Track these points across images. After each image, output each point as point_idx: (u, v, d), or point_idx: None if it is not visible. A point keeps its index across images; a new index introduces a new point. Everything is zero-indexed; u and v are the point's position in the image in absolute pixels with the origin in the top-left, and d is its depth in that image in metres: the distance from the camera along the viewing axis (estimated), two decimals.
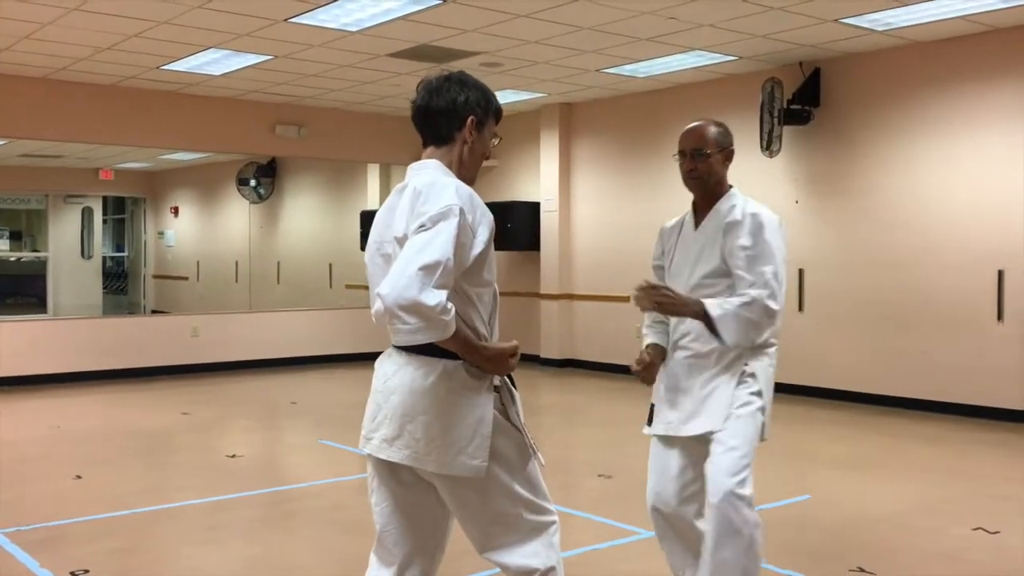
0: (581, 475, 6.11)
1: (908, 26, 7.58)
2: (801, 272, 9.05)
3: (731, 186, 3.28)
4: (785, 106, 8.72)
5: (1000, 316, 7.69)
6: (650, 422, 3.34)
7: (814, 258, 8.96)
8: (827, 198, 8.89)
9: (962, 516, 5.01)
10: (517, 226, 11.54)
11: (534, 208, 11.64)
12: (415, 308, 2.23)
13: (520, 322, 11.91)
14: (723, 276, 3.14)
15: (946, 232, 8.01)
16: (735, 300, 3.04)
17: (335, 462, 6.54)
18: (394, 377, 2.51)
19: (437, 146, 2.58)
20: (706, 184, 3.23)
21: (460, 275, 2.38)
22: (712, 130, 3.23)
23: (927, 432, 7.36)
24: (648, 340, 3.37)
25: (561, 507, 5.20)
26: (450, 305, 2.27)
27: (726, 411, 3.11)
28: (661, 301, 3.09)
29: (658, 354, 3.33)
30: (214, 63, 8.90)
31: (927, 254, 8.13)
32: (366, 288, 2.65)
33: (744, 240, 3.10)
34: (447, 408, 2.44)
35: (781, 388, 9.25)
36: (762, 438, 3.16)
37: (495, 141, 2.64)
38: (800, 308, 9.07)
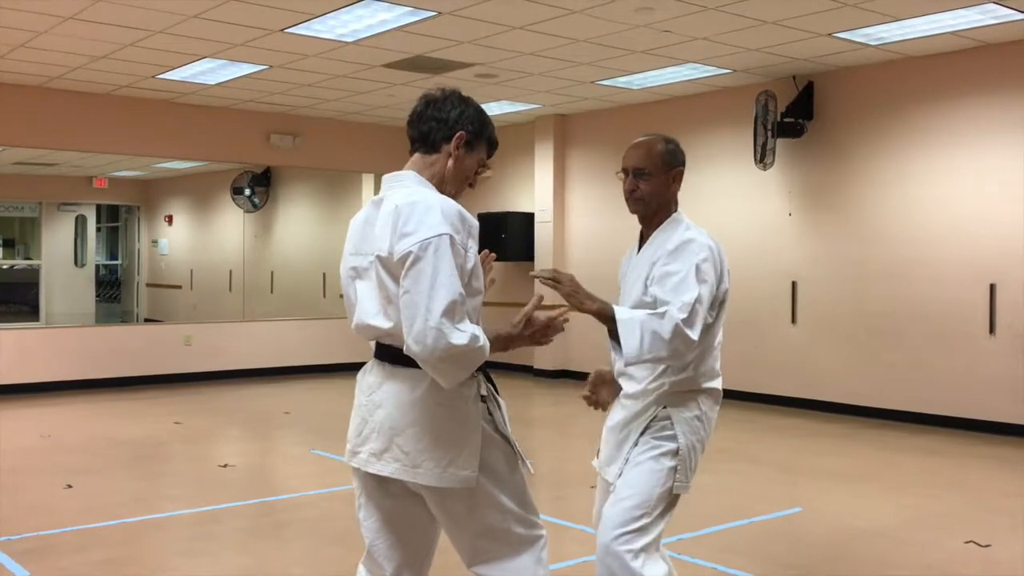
0: (574, 487, 6.10)
1: (900, 41, 7.63)
2: (794, 284, 9.07)
3: (676, 210, 3.00)
4: (779, 119, 8.76)
5: (992, 329, 7.72)
6: (597, 452, 3.15)
7: (807, 271, 8.99)
8: (820, 211, 8.92)
9: (954, 529, 5.02)
10: (511, 237, 11.55)
11: (528, 219, 11.65)
12: (453, 355, 2.28)
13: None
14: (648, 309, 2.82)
15: (938, 245, 8.04)
16: (647, 311, 2.74)
17: (328, 472, 6.52)
18: (379, 390, 2.50)
19: (423, 153, 2.55)
20: (647, 207, 2.95)
21: None
22: (659, 148, 2.94)
23: (919, 445, 7.37)
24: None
25: (554, 519, 5.21)
26: (477, 330, 2.33)
27: (625, 458, 2.89)
28: (565, 292, 2.78)
29: (607, 375, 3.11)
30: (209, 73, 8.91)
31: (920, 267, 8.16)
32: None
33: (671, 266, 2.79)
34: (435, 420, 2.42)
35: (772, 400, 9.32)
36: (673, 490, 2.84)
37: (486, 173, 2.63)
38: (793, 320, 9.09)
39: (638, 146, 2.97)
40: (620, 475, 2.89)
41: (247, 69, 8.78)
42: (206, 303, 16.34)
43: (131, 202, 18.81)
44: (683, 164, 3.00)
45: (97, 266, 19.23)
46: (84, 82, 9.43)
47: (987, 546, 4.70)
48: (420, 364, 2.32)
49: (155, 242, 18.71)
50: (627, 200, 2.99)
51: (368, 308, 2.45)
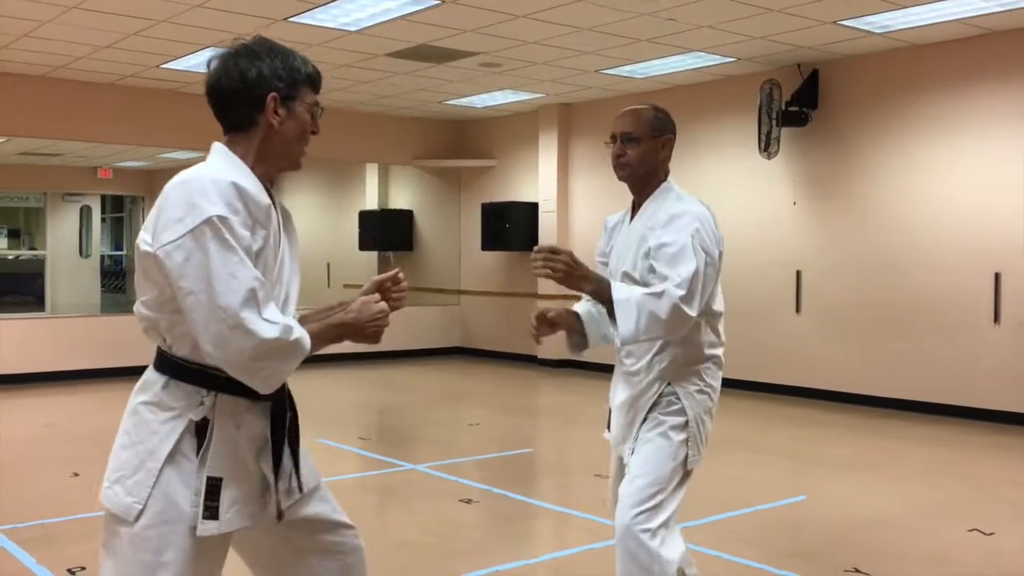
0: (578, 475, 6.12)
1: (906, 29, 7.59)
2: (799, 274, 9.06)
3: (666, 179, 2.96)
4: (783, 108, 8.73)
5: (997, 318, 7.71)
6: (608, 425, 3.14)
7: (811, 260, 8.97)
8: (825, 200, 8.91)
9: (957, 518, 5.02)
10: (515, 226, 11.55)
11: (532, 208, 11.64)
12: (265, 352, 1.92)
13: (517, 322, 11.92)
14: (636, 283, 2.84)
15: (943, 234, 8.02)
16: (644, 289, 2.71)
17: (333, 461, 6.54)
18: None
19: (235, 133, 2.09)
20: (634, 173, 2.92)
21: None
22: (648, 114, 2.91)
23: (923, 434, 7.37)
24: (573, 309, 3.07)
25: (558, 507, 5.23)
26: (290, 320, 2.00)
27: (635, 436, 2.89)
28: (555, 267, 2.69)
29: (570, 317, 3.01)
30: None
31: (924, 256, 8.15)
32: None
33: (666, 237, 2.76)
34: (129, 426, 2.05)
35: (778, 390, 9.32)
36: (685, 465, 2.85)
37: (320, 111, 2.16)
38: (797, 310, 9.08)
39: (626, 113, 2.95)
40: (632, 453, 2.89)
41: None
42: None
43: (135, 192, 18.84)
44: (673, 132, 2.95)
45: (102, 256, 19.28)
46: (88, 72, 9.43)
47: (991, 534, 4.71)
48: (229, 372, 1.95)
49: None
50: (614, 166, 2.96)
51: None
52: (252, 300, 1.91)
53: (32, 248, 18.80)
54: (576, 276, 2.72)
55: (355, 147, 11.98)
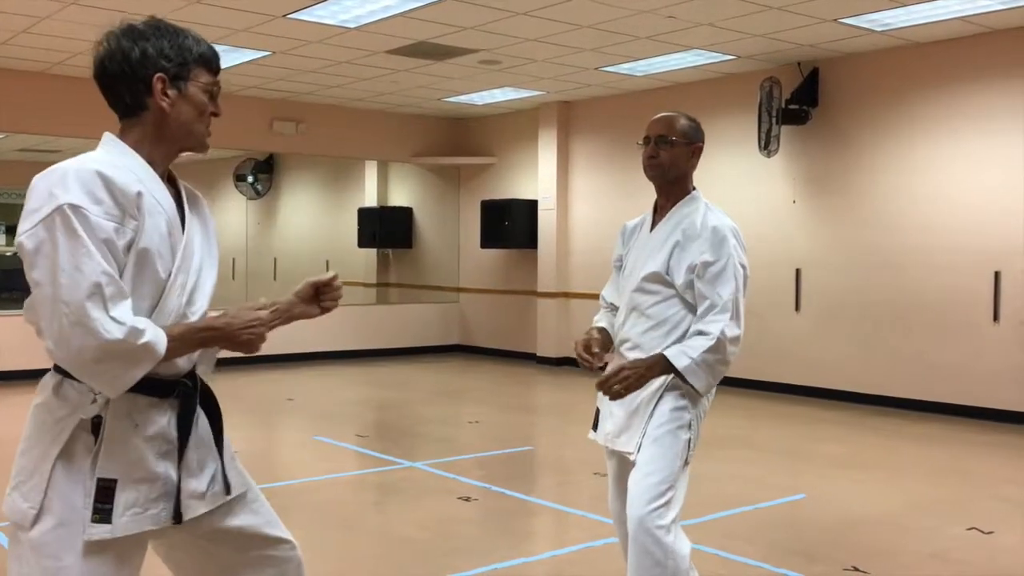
0: (577, 473, 6.11)
1: (907, 27, 7.58)
2: (798, 272, 9.05)
3: (694, 188, 3.07)
4: (783, 106, 8.72)
5: (996, 317, 7.70)
6: (594, 426, 3.17)
7: (811, 258, 8.97)
8: (824, 198, 8.90)
9: (957, 516, 5.02)
10: (515, 224, 11.54)
11: (531, 206, 11.63)
12: (108, 354, 1.80)
13: (516, 320, 11.92)
14: (663, 284, 2.95)
15: (943, 233, 8.01)
16: (698, 344, 2.84)
17: (330, 458, 6.53)
18: None
19: (128, 119, 1.99)
20: (665, 175, 3.02)
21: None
22: (682, 121, 3.04)
23: (922, 432, 7.37)
24: (596, 324, 3.18)
25: (557, 504, 5.22)
26: (143, 321, 1.84)
27: (643, 431, 2.92)
28: (627, 386, 2.82)
29: (606, 336, 3.12)
30: None
31: (924, 255, 8.14)
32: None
33: (707, 255, 2.88)
34: (27, 431, 1.96)
35: (776, 388, 9.32)
36: (687, 459, 2.92)
37: (217, 90, 2.04)
38: (797, 308, 9.08)
39: (661, 118, 3.06)
40: (639, 448, 2.92)
41: (250, 55, 8.76)
42: None
43: None
44: (703, 142, 3.08)
45: None
46: (87, 68, 9.31)
47: (990, 533, 4.70)
48: (71, 372, 1.86)
49: None
50: (645, 167, 3.05)
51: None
52: (97, 296, 1.78)
53: None
54: (645, 375, 2.87)
55: (354, 144, 11.97)
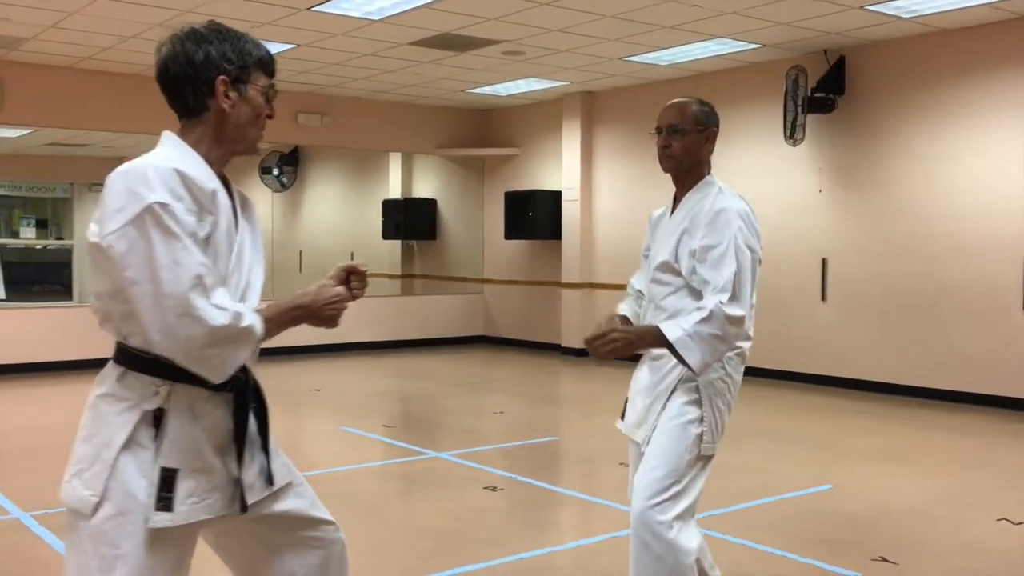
0: (601, 463, 6.11)
1: (934, 13, 7.50)
2: (824, 261, 8.99)
3: (709, 172, 3.02)
4: (809, 94, 8.66)
5: None
6: (622, 414, 3.15)
7: (837, 247, 8.90)
8: (851, 187, 8.83)
9: (986, 507, 4.98)
10: (538, 215, 11.53)
11: (555, 197, 11.62)
12: (216, 340, 1.89)
13: (541, 311, 11.92)
14: (673, 273, 2.90)
15: (971, 221, 7.93)
16: (692, 317, 2.73)
17: (356, 449, 6.58)
18: None
19: (188, 119, 2.07)
20: (679, 164, 2.97)
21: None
22: (693, 107, 2.97)
23: (951, 423, 7.30)
24: (619, 312, 3.10)
25: (582, 494, 5.23)
26: (241, 307, 1.95)
27: (654, 424, 2.89)
28: (614, 349, 2.73)
29: (623, 324, 3.00)
30: None
31: (952, 243, 8.06)
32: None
33: (707, 240, 2.80)
34: (87, 420, 2.02)
35: (802, 378, 9.26)
36: (701, 453, 2.85)
37: (274, 94, 2.12)
38: (823, 298, 9.02)
39: (672, 105, 3.01)
40: (648, 441, 2.90)
41: (275, 48, 8.80)
42: None
43: None
44: (717, 126, 3.02)
45: None
46: (114, 62, 9.49)
47: (1020, 524, 4.66)
48: (178, 362, 1.92)
49: None
50: (660, 157, 3.01)
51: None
52: (199, 287, 1.86)
53: (59, 238, 18.97)
54: (635, 343, 2.79)
55: (378, 136, 12.00)
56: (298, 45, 8.68)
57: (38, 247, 19.10)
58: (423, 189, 13.89)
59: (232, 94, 2.03)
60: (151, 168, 1.89)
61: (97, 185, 18.19)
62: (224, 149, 2.08)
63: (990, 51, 7.83)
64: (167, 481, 1.94)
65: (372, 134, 11.89)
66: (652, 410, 2.93)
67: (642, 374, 3.05)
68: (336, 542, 2.30)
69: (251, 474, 2.08)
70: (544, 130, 11.88)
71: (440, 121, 12.38)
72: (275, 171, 15.18)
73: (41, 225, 19.24)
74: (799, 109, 8.73)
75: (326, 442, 6.98)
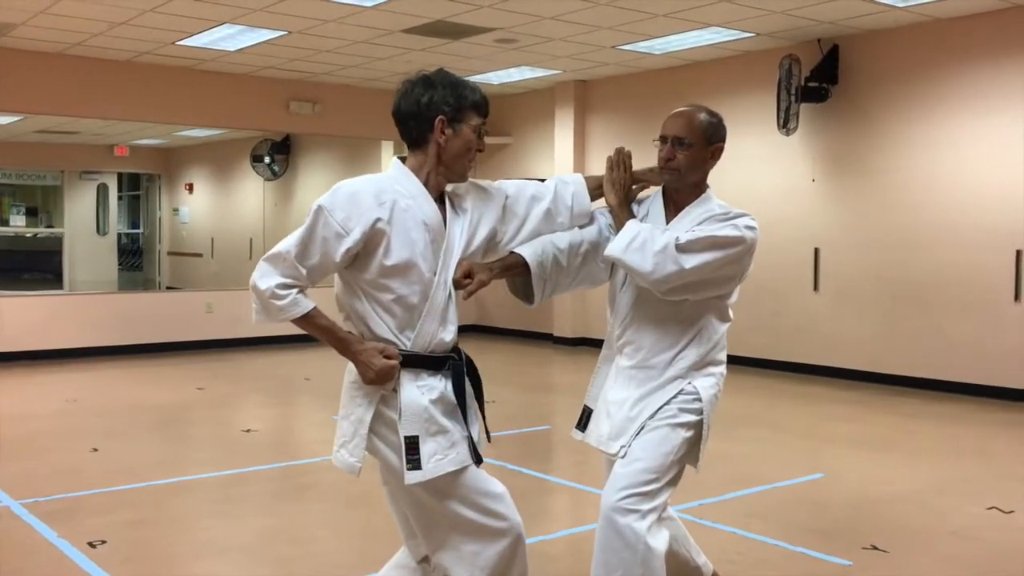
0: (593, 452, 6.06)
1: (929, 2, 7.48)
2: (817, 251, 9.00)
3: (707, 187, 2.89)
4: (802, 83, 8.64)
5: (1017, 296, 7.64)
6: (581, 425, 3.05)
7: (830, 237, 8.91)
8: (844, 177, 8.83)
9: (976, 495, 5.00)
10: None
11: None
12: (254, 291, 2.45)
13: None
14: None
15: (963, 211, 7.94)
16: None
17: None
18: None
19: (412, 150, 2.56)
20: (683, 179, 2.81)
21: (348, 270, 2.47)
22: (703, 119, 2.78)
23: (942, 412, 7.33)
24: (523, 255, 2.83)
25: (575, 483, 5.23)
26: (286, 292, 2.43)
27: (641, 424, 2.80)
28: (626, 162, 2.92)
29: (515, 263, 2.83)
30: (229, 39, 8.88)
31: (944, 233, 8.07)
32: None
33: (700, 229, 2.75)
34: (344, 401, 2.60)
35: (794, 367, 9.28)
36: (685, 459, 2.81)
37: (485, 131, 2.58)
38: (815, 287, 9.03)
39: (680, 115, 2.82)
40: (629, 447, 2.81)
41: (266, 35, 8.75)
42: (227, 271, 16.43)
43: (152, 170, 18.88)
44: (723, 140, 2.84)
45: (119, 234, 19.35)
46: (104, 49, 9.42)
47: (1010, 512, 4.68)
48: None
49: (176, 210, 18.79)
50: (660, 169, 2.85)
51: None
52: (275, 258, 2.43)
53: (49, 226, 18.89)
54: (625, 183, 2.90)
55: (371, 124, 11.92)
56: (290, 32, 8.63)
57: (28, 235, 19.01)
58: None
59: (448, 131, 2.49)
60: (347, 185, 2.46)
61: (87, 173, 18.12)
62: (439, 175, 2.54)
63: (984, 41, 7.83)
64: (412, 447, 2.44)
65: (364, 122, 11.83)
66: (639, 419, 2.83)
67: (616, 384, 2.94)
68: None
69: (475, 432, 2.58)
70: (537, 119, 11.85)
71: None
72: (266, 159, 15.12)
73: (31, 213, 19.15)
74: (792, 98, 8.72)
75: (318, 431, 6.97)
